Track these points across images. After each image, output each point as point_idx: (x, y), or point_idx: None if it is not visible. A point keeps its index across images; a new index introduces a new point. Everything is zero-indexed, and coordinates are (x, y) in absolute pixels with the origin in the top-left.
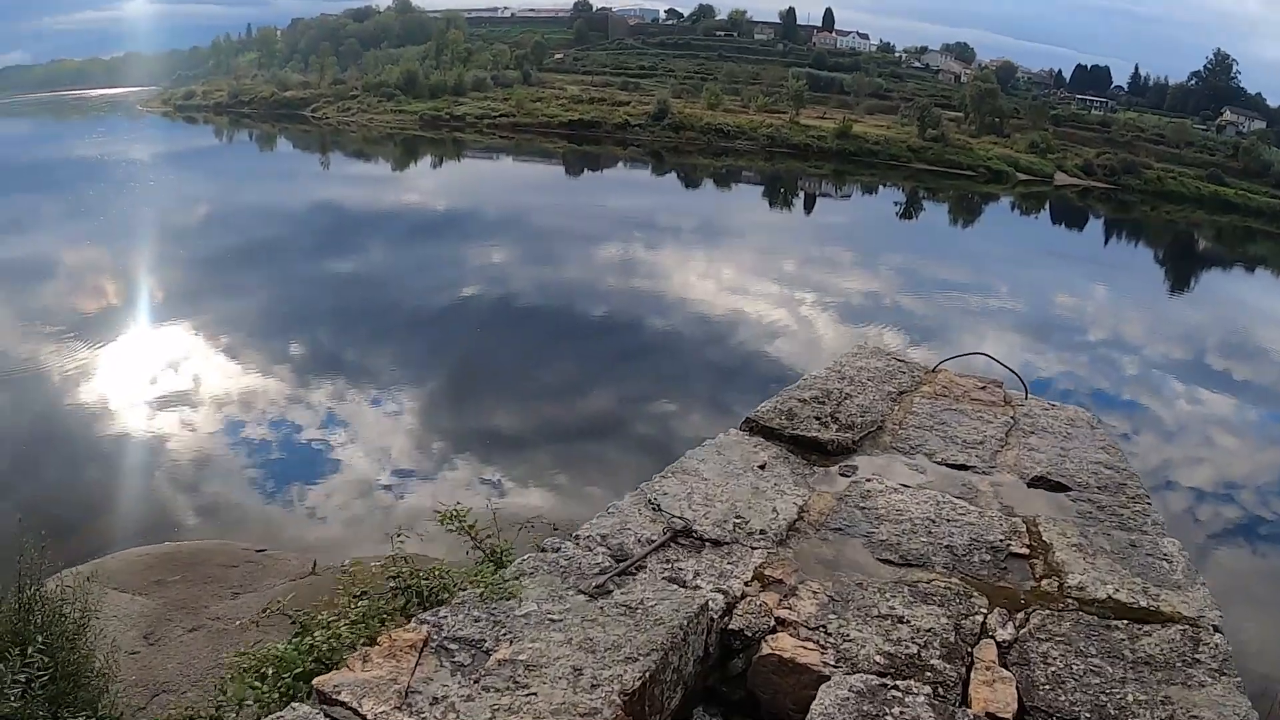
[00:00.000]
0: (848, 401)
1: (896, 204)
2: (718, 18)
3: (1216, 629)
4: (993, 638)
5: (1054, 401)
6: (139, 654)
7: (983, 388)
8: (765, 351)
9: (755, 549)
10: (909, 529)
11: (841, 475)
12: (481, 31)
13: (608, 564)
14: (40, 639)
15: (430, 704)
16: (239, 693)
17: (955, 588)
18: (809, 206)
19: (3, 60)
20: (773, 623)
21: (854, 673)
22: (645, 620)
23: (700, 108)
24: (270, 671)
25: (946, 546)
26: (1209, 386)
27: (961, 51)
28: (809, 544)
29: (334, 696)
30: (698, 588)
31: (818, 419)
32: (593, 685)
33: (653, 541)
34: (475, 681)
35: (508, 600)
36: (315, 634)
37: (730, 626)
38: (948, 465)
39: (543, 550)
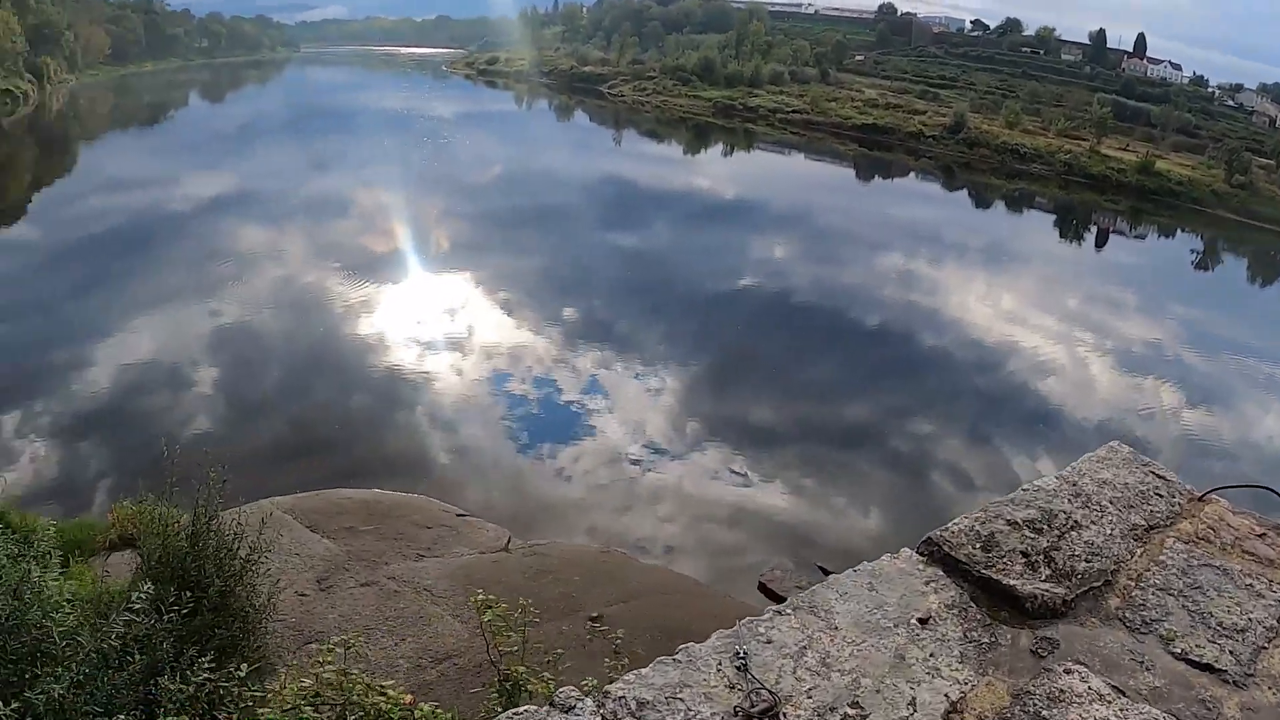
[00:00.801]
0: (1073, 535)
1: (1194, 252)
2: (1024, 33)
3: None
4: None
5: None
6: (307, 597)
7: (1262, 535)
8: (1033, 388)
9: None
10: None
11: (1034, 653)
12: (784, 25)
13: None
14: (200, 569)
15: None
16: None
17: None
18: (1100, 242)
19: (321, 13)
20: None
21: None
22: None
23: (998, 125)
24: None
25: None
26: None
27: None
28: None
29: None
30: None
31: (1025, 556)
32: None
33: None
34: None
35: None
36: None
37: None
38: (1187, 661)
39: (552, 706)
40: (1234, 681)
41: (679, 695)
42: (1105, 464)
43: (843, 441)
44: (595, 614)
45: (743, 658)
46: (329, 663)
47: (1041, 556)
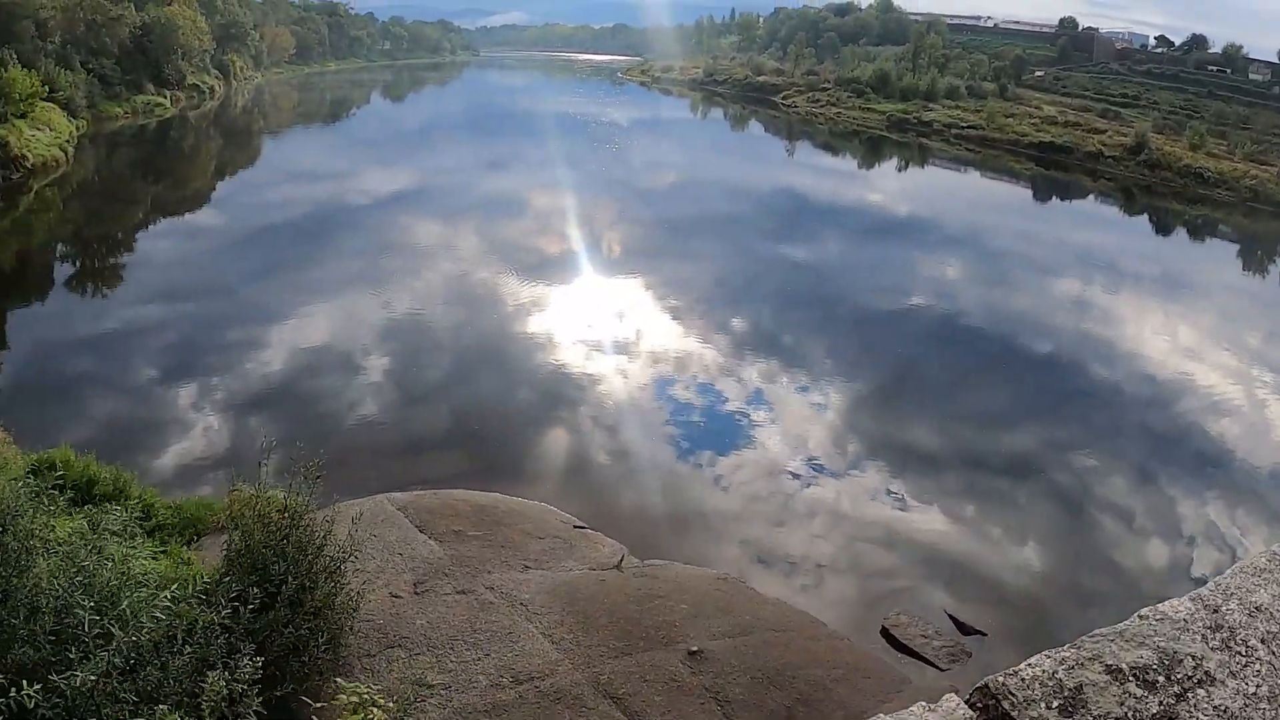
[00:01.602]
0: (1199, 693)
1: None
2: (1210, 50)
3: None
4: None
5: None
6: (400, 599)
7: None
8: (1206, 429)
9: None
10: None
11: None
12: (961, 39)
13: None
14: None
15: None
16: None
17: None
18: None
19: (501, 18)
20: None
21: None
22: None
23: (1181, 147)
24: None
25: None
26: None
27: None
28: None
29: None
30: None
31: None
32: None
33: None
34: None
35: None
36: None
37: None
38: None
39: None
40: None
41: None
42: (1265, 580)
43: (1005, 471)
44: (695, 648)
45: None
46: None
47: None
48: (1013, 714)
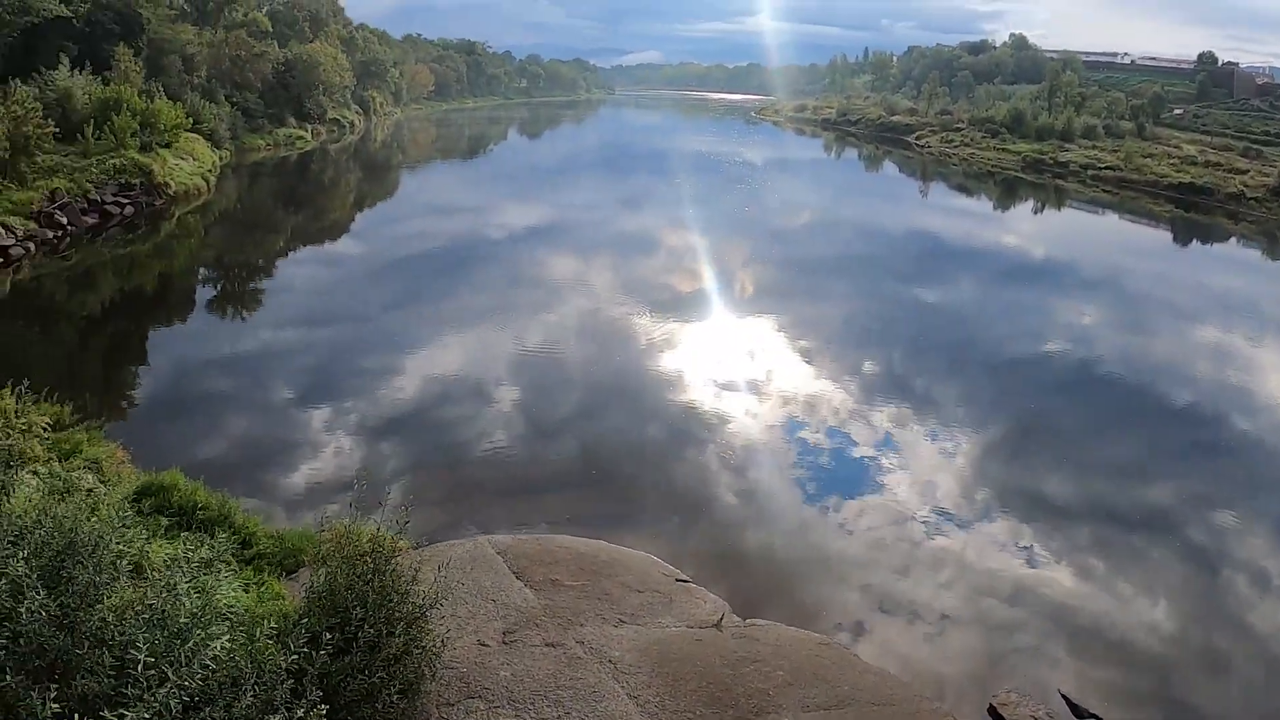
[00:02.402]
0: None
1: None
2: None
3: None
4: None
5: None
6: (487, 648)
7: None
8: None
9: None
10: None
11: None
12: (1098, 77)
13: None
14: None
15: None
16: None
17: None
18: None
19: (638, 57)
20: None
21: None
22: None
23: None
24: None
25: None
26: None
27: None
28: None
29: None
30: None
31: None
32: None
33: None
34: None
35: None
36: None
37: None
38: None
39: None
40: None
41: None
42: None
43: (1136, 526)
44: None
45: None
46: None
47: None
48: None
